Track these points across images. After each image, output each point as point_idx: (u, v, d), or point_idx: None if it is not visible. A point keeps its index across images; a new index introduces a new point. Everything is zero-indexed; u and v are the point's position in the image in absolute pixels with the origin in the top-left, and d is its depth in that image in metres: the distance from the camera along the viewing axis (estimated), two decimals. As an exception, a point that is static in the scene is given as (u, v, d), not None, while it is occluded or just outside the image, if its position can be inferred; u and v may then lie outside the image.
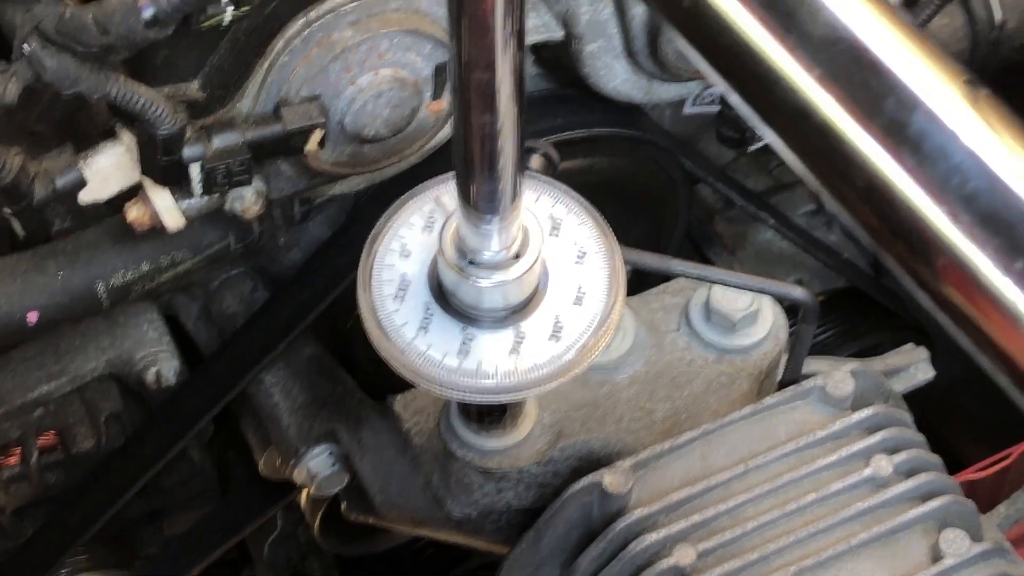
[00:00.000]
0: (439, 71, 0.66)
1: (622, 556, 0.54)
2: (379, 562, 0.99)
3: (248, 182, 0.63)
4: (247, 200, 0.64)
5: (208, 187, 0.62)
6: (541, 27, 0.72)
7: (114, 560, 0.85)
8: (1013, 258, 0.30)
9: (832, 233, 1.01)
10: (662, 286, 0.67)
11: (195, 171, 0.61)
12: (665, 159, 0.83)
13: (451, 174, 0.45)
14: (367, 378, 0.79)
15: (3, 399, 0.75)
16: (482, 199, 0.43)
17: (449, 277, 0.48)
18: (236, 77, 0.61)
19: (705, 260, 1.01)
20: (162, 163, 0.60)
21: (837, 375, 0.59)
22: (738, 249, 1.00)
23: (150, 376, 0.78)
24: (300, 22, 0.61)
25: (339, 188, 0.72)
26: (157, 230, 0.65)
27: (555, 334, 0.48)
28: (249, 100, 0.62)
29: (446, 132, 0.71)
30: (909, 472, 0.56)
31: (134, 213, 0.64)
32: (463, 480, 0.61)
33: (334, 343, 0.82)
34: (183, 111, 0.59)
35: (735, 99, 0.36)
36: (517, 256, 0.47)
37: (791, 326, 0.64)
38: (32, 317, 0.67)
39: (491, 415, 0.58)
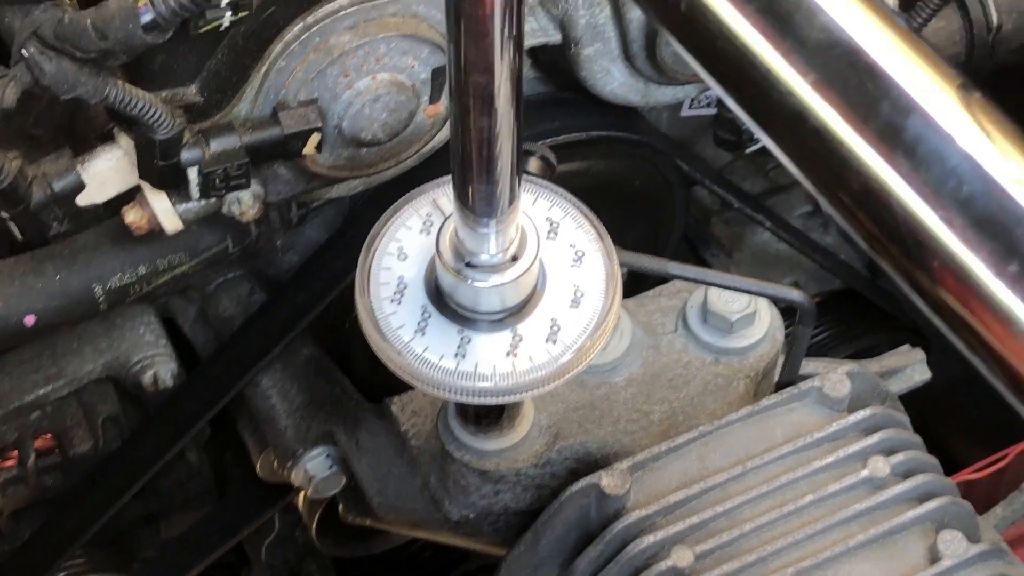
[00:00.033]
0: (436, 75, 0.66)
1: (620, 558, 0.54)
2: (376, 564, 0.99)
3: (246, 185, 0.63)
4: (244, 203, 0.65)
5: (206, 191, 0.62)
6: (538, 30, 0.72)
7: (112, 563, 0.85)
8: (1008, 261, 0.30)
9: (828, 235, 1.01)
10: (658, 288, 0.67)
11: (193, 175, 0.61)
12: (662, 162, 0.83)
13: (448, 177, 0.45)
14: (364, 380, 0.79)
15: (0, 402, 0.75)
16: (479, 202, 0.43)
17: (446, 279, 0.48)
18: (234, 81, 0.61)
19: (702, 262, 1.01)
20: (160, 167, 0.60)
21: (834, 376, 0.59)
22: (735, 251, 1.00)
23: (147, 379, 0.78)
24: (298, 26, 0.61)
25: (336, 191, 0.72)
26: (155, 233, 0.65)
27: (552, 336, 0.48)
28: (247, 104, 0.62)
29: (443, 135, 0.71)
30: (906, 473, 0.56)
31: (132, 216, 0.64)
32: (460, 482, 0.61)
33: (331, 345, 0.82)
34: (181, 115, 0.59)
35: (731, 103, 0.37)
36: (514, 258, 0.47)
37: (787, 327, 0.64)
38: (30, 320, 0.67)
39: (488, 417, 0.59)
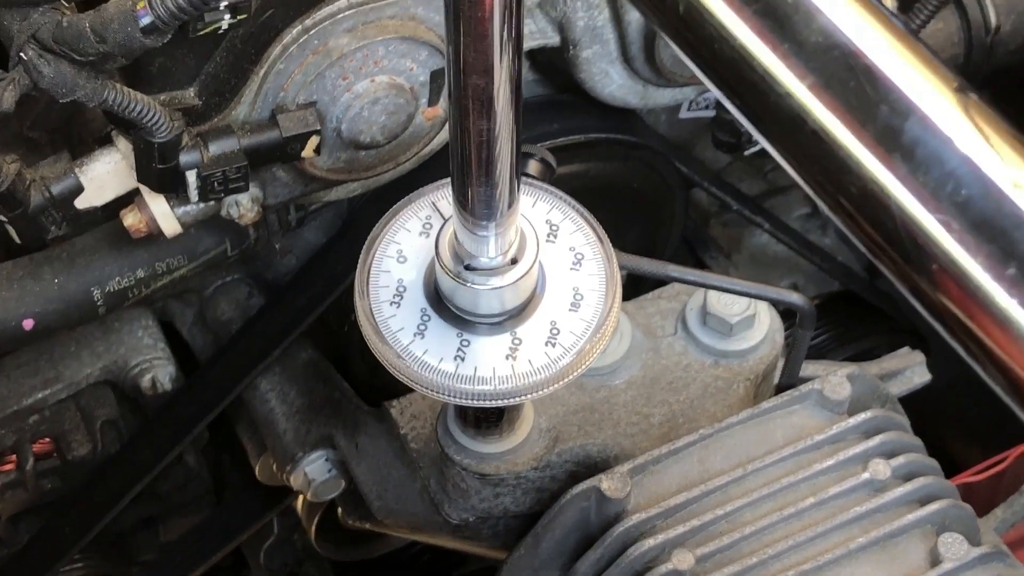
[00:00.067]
0: (435, 77, 0.66)
1: (620, 561, 0.54)
2: (376, 567, 0.98)
3: (245, 188, 0.63)
4: (243, 206, 0.64)
5: (204, 194, 0.62)
6: (537, 33, 0.72)
7: (110, 566, 0.85)
8: (1006, 264, 0.30)
9: (827, 237, 1.01)
10: (657, 291, 0.67)
11: (192, 178, 0.61)
12: (661, 164, 0.83)
13: (448, 179, 0.45)
14: (363, 383, 0.79)
15: (-2, 406, 0.75)
16: (479, 204, 0.43)
17: (446, 282, 0.48)
18: (232, 84, 0.61)
19: (701, 264, 1.01)
20: (158, 170, 0.60)
21: (834, 379, 0.59)
22: (733, 253, 1.00)
23: (146, 382, 0.78)
24: (296, 29, 0.61)
25: (335, 194, 0.72)
26: (153, 236, 0.65)
27: (551, 339, 0.48)
28: (245, 107, 0.62)
29: (441, 138, 0.71)
30: (907, 476, 0.56)
31: (130, 219, 0.64)
32: (460, 485, 0.61)
33: (330, 348, 0.82)
34: (179, 118, 0.59)
35: (730, 106, 0.37)
36: (514, 261, 0.47)
37: (787, 330, 0.64)
38: (28, 323, 0.67)
39: (488, 420, 0.58)
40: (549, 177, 0.59)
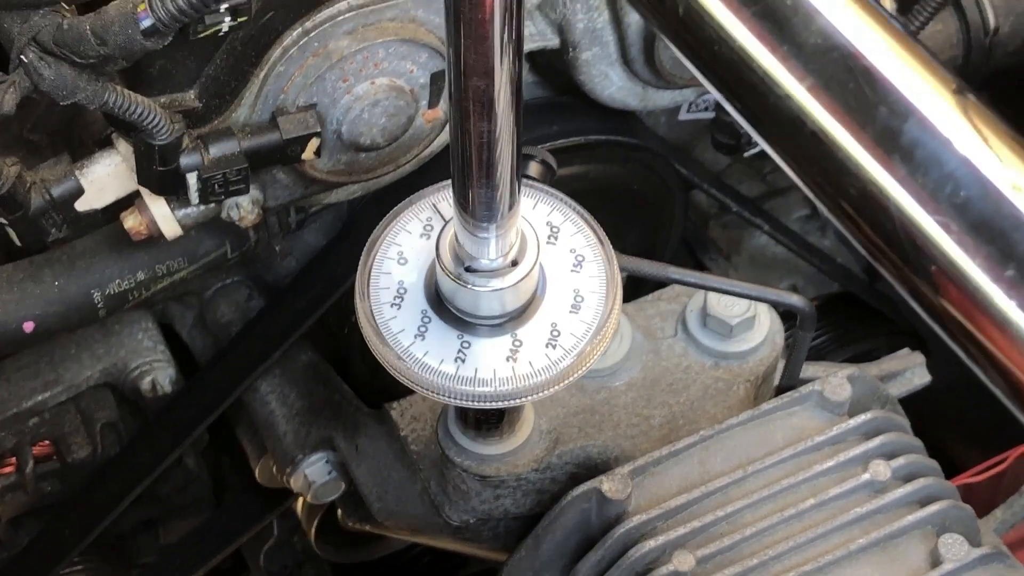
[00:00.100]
0: (435, 79, 0.66)
1: (621, 562, 0.54)
2: (375, 569, 0.98)
3: (245, 191, 0.63)
4: (243, 208, 0.65)
5: (205, 196, 0.62)
6: (536, 35, 0.73)
7: (110, 569, 0.85)
8: (1004, 266, 0.30)
9: (826, 238, 1.01)
10: (657, 292, 0.67)
11: (192, 180, 0.61)
12: (660, 165, 0.83)
13: (448, 181, 0.45)
14: (363, 385, 0.79)
15: (-2, 408, 0.75)
16: (479, 206, 0.43)
17: (446, 284, 0.48)
18: (233, 86, 0.61)
19: (700, 266, 1.01)
20: (159, 172, 0.60)
21: (834, 380, 0.59)
22: (733, 254, 1.01)
23: (146, 385, 0.78)
24: (296, 31, 0.61)
25: (335, 196, 0.72)
26: (154, 239, 0.65)
27: (552, 341, 0.48)
28: (246, 109, 0.62)
29: (441, 140, 0.71)
30: (907, 477, 0.56)
31: (131, 222, 0.64)
32: (461, 487, 0.61)
33: (330, 350, 0.82)
34: (180, 120, 0.59)
35: (729, 107, 0.37)
36: (514, 263, 0.47)
37: (787, 331, 0.64)
38: (28, 326, 0.67)
39: (488, 421, 0.58)
40: (550, 179, 0.59)
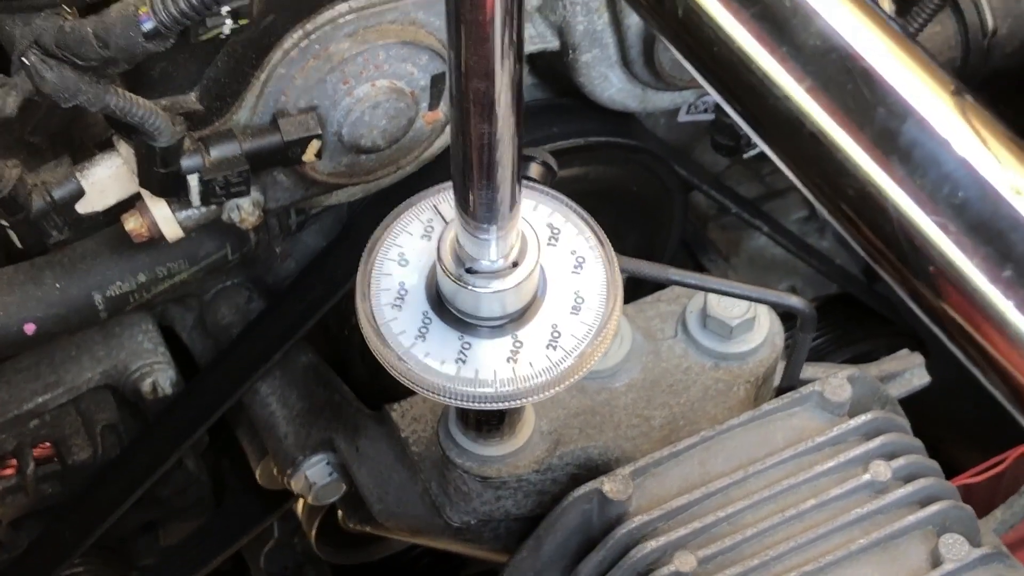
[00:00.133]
0: (435, 81, 0.66)
1: (623, 563, 0.54)
2: (376, 571, 0.98)
3: (246, 193, 0.63)
4: (244, 210, 0.65)
5: (206, 198, 0.62)
6: (536, 37, 0.73)
7: (111, 571, 0.85)
8: (1002, 267, 0.31)
9: (825, 239, 1.02)
10: (657, 293, 0.67)
11: (193, 182, 0.61)
12: (660, 167, 0.83)
13: (449, 183, 0.46)
14: (363, 387, 0.79)
15: (-1, 410, 0.75)
16: (480, 208, 0.43)
17: (447, 285, 0.48)
18: (234, 88, 0.62)
19: (699, 266, 1.01)
20: (160, 174, 0.60)
21: (835, 381, 0.59)
22: (732, 256, 1.01)
23: (146, 386, 0.78)
24: (297, 34, 0.61)
25: (335, 198, 0.73)
26: (155, 241, 0.65)
27: (552, 342, 0.48)
28: (247, 111, 0.62)
29: (441, 142, 0.71)
30: (908, 477, 0.57)
31: (132, 224, 0.64)
32: (462, 488, 0.61)
33: (330, 352, 0.82)
34: (181, 123, 0.60)
35: (728, 108, 0.37)
36: (515, 264, 0.47)
37: (786, 332, 0.64)
38: (29, 328, 0.67)
39: (489, 423, 0.59)
40: (551, 180, 0.59)
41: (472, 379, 0.48)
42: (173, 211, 0.64)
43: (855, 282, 0.99)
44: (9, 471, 0.77)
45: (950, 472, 0.61)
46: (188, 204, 0.63)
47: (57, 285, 0.69)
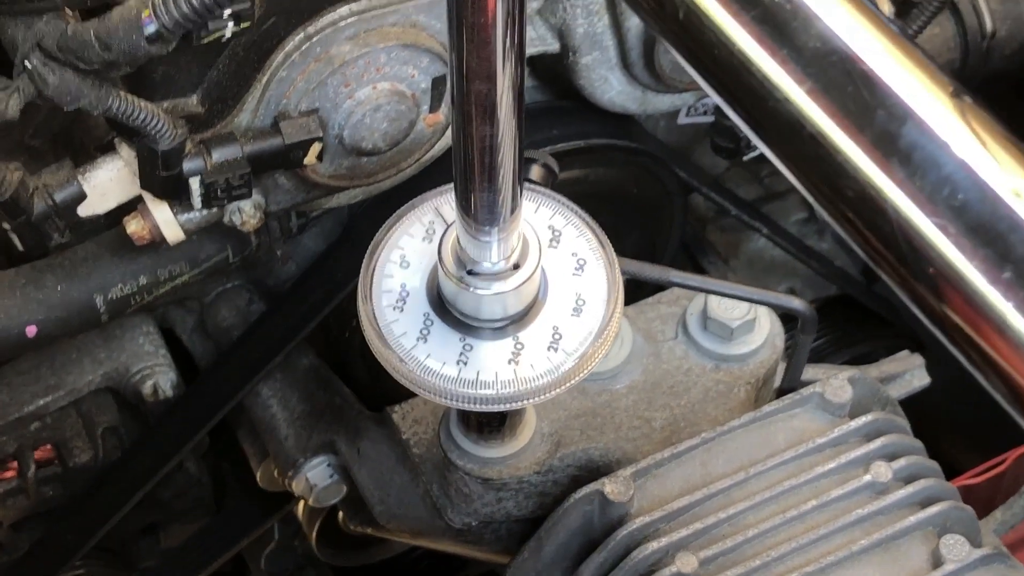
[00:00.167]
0: (436, 84, 0.66)
1: (624, 564, 0.54)
2: (376, 573, 0.98)
3: (248, 195, 0.63)
4: (246, 213, 0.65)
5: (208, 200, 0.62)
6: (536, 39, 0.73)
7: (111, 574, 0.85)
8: (1001, 268, 0.31)
9: (824, 241, 1.02)
10: (658, 295, 0.67)
11: (195, 185, 0.61)
12: (659, 169, 0.84)
13: (451, 185, 0.46)
14: (364, 389, 0.79)
15: None
16: (482, 210, 0.43)
17: (448, 287, 0.48)
18: (235, 91, 0.62)
19: (700, 269, 1.01)
20: (162, 177, 0.60)
21: (835, 382, 0.59)
22: (731, 257, 1.01)
23: (147, 389, 0.78)
24: (298, 37, 0.61)
25: (336, 201, 0.73)
26: (156, 243, 0.65)
27: (554, 344, 0.48)
28: (248, 114, 0.63)
29: (442, 145, 0.71)
30: (908, 478, 0.57)
31: (133, 226, 0.64)
32: (463, 490, 0.61)
33: (331, 354, 0.82)
34: (183, 125, 0.60)
35: (729, 111, 0.37)
36: (516, 266, 0.47)
37: (787, 334, 0.65)
38: (31, 330, 0.68)
39: (490, 424, 0.59)
40: (552, 182, 0.59)
41: (473, 381, 0.48)
42: (174, 214, 0.64)
43: (854, 284, 0.99)
44: (10, 473, 0.77)
45: (950, 473, 0.61)
46: (189, 207, 0.63)
47: (58, 288, 0.69)
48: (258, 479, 0.83)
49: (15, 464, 0.77)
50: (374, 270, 0.50)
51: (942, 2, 0.75)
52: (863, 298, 0.99)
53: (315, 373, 0.80)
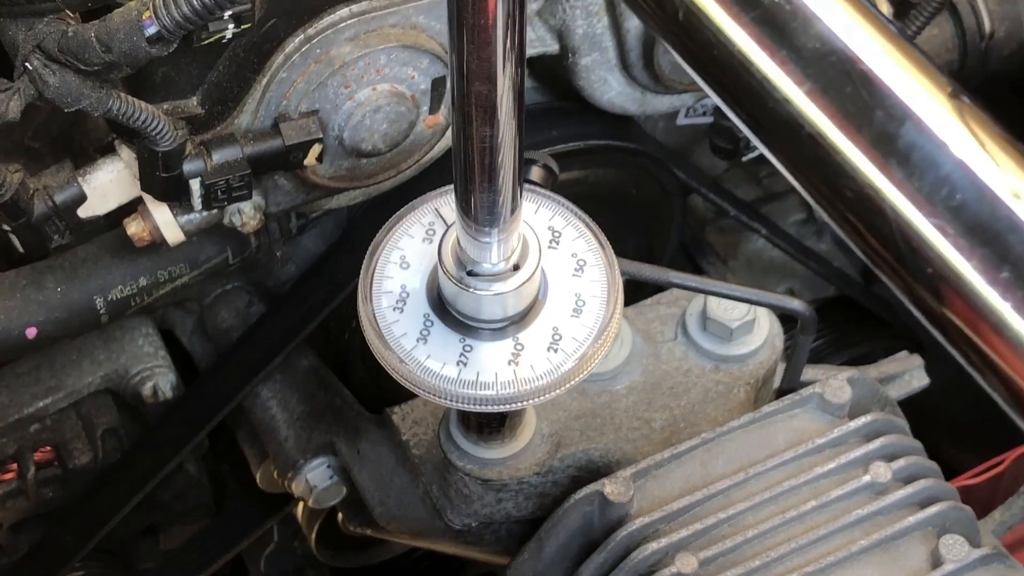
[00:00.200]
0: (436, 85, 0.66)
1: (624, 565, 0.54)
2: (376, 574, 0.98)
3: (248, 197, 0.63)
4: (246, 214, 0.65)
5: (208, 202, 0.62)
6: (536, 41, 0.73)
7: (111, 575, 0.85)
8: (999, 268, 0.31)
9: (823, 242, 1.02)
10: (657, 296, 0.67)
11: (195, 186, 0.61)
12: (659, 170, 0.84)
13: (450, 186, 0.46)
14: (363, 390, 0.79)
15: (-1, 414, 0.75)
16: (482, 211, 0.43)
17: (448, 288, 0.48)
18: (235, 93, 0.62)
19: (698, 269, 1.01)
20: (162, 179, 0.60)
21: (835, 383, 0.59)
22: (730, 258, 1.01)
23: (147, 390, 0.78)
24: (298, 38, 0.61)
25: (336, 202, 0.73)
26: (156, 245, 0.65)
27: (554, 344, 0.48)
28: (248, 115, 0.63)
29: (441, 146, 0.71)
30: (908, 478, 0.57)
31: (134, 228, 0.64)
32: (463, 490, 0.61)
33: (330, 355, 0.82)
34: (183, 127, 0.60)
35: (728, 111, 0.37)
36: (516, 267, 0.47)
37: (786, 335, 0.65)
38: (31, 332, 0.68)
39: (490, 425, 0.59)
40: (552, 183, 0.60)
41: (473, 382, 0.48)
42: (175, 215, 0.64)
43: (853, 284, 0.99)
44: (10, 475, 0.77)
45: (949, 474, 0.61)
46: (190, 208, 0.63)
47: (59, 289, 0.69)
48: (258, 480, 0.83)
49: (15, 466, 0.77)
50: (374, 271, 0.50)
51: (941, 3, 0.75)
52: (862, 299, 0.99)
53: (315, 374, 0.80)
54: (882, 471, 0.56)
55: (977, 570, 0.54)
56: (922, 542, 0.55)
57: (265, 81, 0.62)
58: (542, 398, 0.48)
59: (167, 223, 0.64)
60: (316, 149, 0.63)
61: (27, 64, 0.52)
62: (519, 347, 0.48)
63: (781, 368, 0.64)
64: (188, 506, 0.87)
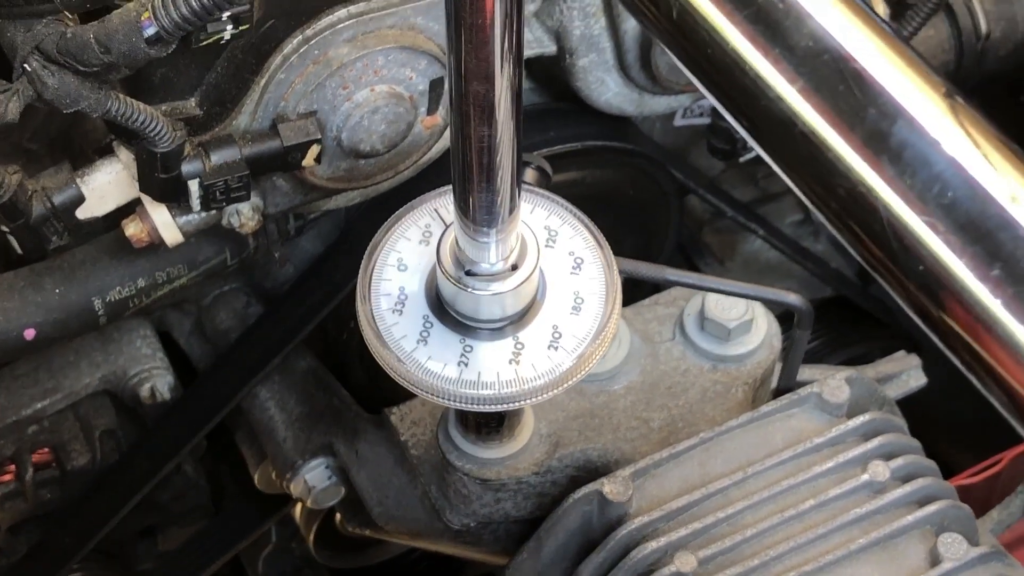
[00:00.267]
0: (434, 86, 0.66)
1: (623, 564, 0.54)
2: (375, 575, 0.98)
3: (246, 198, 0.63)
4: (244, 215, 0.65)
5: (207, 203, 0.62)
6: (533, 42, 0.73)
7: (110, 577, 0.85)
8: (990, 266, 0.31)
9: (819, 243, 1.02)
10: (655, 296, 0.67)
11: (194, 187, 0.61)
12: (656, 171, 0.84)
13: (448, 187, 0.46)
14: (361, 391, 0.79)
15: (-3, 416, 0.75)
16: (480, 211, 0.44)
17: (447, 288, 0.48)
18: (233, 94, 0.62)
19: (695, 270, 1.02)
20: (161, 180, 0.60)
21: (832, 382, 0.59)
22: (727, 259, 1.01)
23: (145, 392, 0.78)
24: (297, 39, 0.62)
25: (334, 203, 0.73)
26: (155, 246, 0.65)
27: (554, 343, 0.49)
28: (246, 116, 0.63)
29: (439, 147, 0.72)
30: (906, 477, 0.57)
31: (132, 229, 0.65)
32: (461, 491, 0.61)
33: (328, 356, 0.82)
34: (181, 128, 0.60)
35: (722, 109, 0.37)
36: (514, 267, 0.47)
37: (784, 335, 0.65)
38: (30, 333, 0.68)
39: (489, 425, 0.59)
40: (545, 185, 0.60)
41: (474, 381, 0.48)
42: (173, 216, 0.64)
43: (850, 285, 0.99)
44: (8, 477, 0.77)
45: (947, 473, 0.61)
46: (188, 209, 0.63)
47: (57, 290, 0.69)
48: (256, 481, 0.83)
49: (13, 467, 0.77)
50: (372, 272, 0.50)
51: (937, 4, 0.75)
52: (859, 299, 0.99)
53: (313, 375, 0.80)
54: (880, 470, 0.56)
55: (975, 568, 0.54)
56: (920, 541, 0.55)
57: (263, 82, 0.62)
58: (543, 396, 0.48)
59: (165, 224, 0.64)
60: (314, 150, 0.63)
61: (26, 65, 0.52)
62: (519, 346, 0.48)
63: (779, 368, 0.65)
64: (186, 507, 0.87)
